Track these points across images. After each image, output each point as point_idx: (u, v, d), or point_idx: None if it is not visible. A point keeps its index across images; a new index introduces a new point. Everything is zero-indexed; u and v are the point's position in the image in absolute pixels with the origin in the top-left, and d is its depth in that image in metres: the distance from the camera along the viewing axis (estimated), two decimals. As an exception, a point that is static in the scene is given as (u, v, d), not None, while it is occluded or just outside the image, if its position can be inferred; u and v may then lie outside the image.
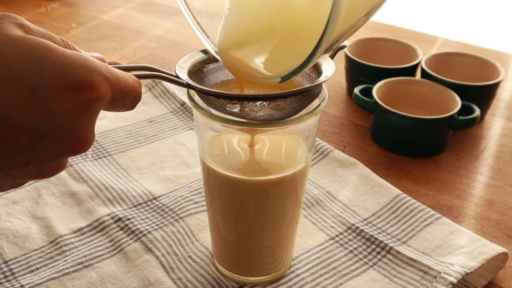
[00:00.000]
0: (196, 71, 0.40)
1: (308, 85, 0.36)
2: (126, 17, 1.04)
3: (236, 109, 0.37)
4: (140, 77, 0.34)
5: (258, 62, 0.38)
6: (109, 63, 0.33)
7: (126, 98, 0.32)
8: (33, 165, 0.29)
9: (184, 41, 0.94)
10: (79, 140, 0.29)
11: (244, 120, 0.38)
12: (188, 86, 0.37)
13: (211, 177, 0.43)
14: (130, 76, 0.32)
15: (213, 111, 0.38)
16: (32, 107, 0.27)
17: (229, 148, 0.43)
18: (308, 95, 0.38)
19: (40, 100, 0.27)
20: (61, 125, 0.28)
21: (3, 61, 0.26)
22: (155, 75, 0.36)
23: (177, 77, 0.37)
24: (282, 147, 0.44)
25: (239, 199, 0.42)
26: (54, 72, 0.27)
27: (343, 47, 0.40)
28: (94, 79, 0.29)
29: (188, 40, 0.94)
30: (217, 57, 0.39)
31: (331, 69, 0.38)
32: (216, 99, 0.37)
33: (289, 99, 0.36)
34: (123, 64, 0.35)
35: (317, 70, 0.40)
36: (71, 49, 0.31)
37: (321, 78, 0.38)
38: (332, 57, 0.40)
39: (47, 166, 0.30)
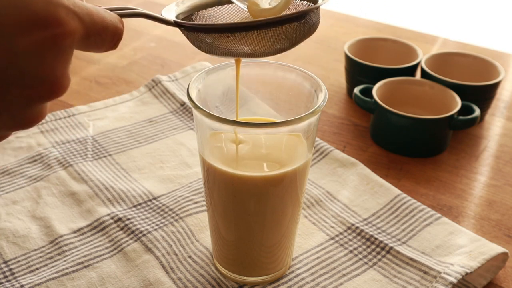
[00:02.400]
0: (185, 18, 0.38)
1: (304, 9, 0.34)
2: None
3: (231, 43, 0.35)
4: (121, 15, 0.32)
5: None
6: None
7: (103, 35, 0.29)
8: (5, 114, 0.27)
9: (184, 40, 0.94)
10: (52, 82, 0.27)
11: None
12: (175, 24, 0.35)
13: (211, 175, 0.43)
14: (106, 11, 0.30)
15: (213, 112, 0.38)
16: None
17: (228, 145, 0.43)
18: (306, 21, 0.35)
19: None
20: (28, 68, 0.25)
21: None
22: (139, 13, 0.34)
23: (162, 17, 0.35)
24: (282, 144, 0.44)
25: (239, 197, 0.42)
26: (10, 8, 0.24)
27: None
28: (58, 13, 0.26)
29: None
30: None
31: None
32: (207, 35, 0.34)
33: (286, 26, 0.34)
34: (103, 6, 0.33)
35: (313, 1, 0.38)
36: None
37: (318, 2, 0.36)
38: None
39: (22, 114, 0.27)
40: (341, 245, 0.51)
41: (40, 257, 0.50)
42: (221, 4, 0.40)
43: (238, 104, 0.44)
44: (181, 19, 0.37)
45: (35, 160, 0.61)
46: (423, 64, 0.72)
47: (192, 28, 0.35)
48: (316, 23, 0.37)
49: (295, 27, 0.35)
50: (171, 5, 0.38)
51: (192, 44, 0.37)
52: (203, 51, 0.36)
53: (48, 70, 0.26)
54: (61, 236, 0.52)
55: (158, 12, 0.37)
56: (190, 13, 0.39)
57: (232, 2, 0.39)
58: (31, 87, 0.26)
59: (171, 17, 0.36)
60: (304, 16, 0.35)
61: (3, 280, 0.47)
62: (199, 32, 0.35)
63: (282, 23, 0.34)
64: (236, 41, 0.34)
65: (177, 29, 0.37)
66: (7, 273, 0.48)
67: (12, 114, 0.27)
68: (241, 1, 0.39)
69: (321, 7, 0.37)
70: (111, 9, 0.32)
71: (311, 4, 0.38)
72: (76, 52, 0.29)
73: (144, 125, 0.69)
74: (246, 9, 0.38)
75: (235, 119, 0.43)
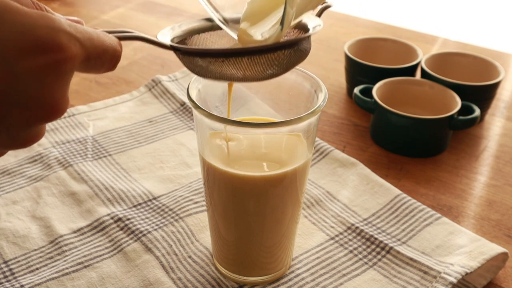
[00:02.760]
0: (179, 42, 0.39)
1: (295, 38, 0.36)
2: (126, 17, 1.04)
3: (225, 68, 0.36)
4: (120, 38, 0.33)
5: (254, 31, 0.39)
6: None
7: (103, 58, 0.30)
8: (4, 134, 0.27)
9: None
10: (50, 105, 0.27)
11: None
12: (171, 48, 0.36)
13: (210, 175, 0.43)
14: (106, 35, 0.31)
15: (213, 112, 0.38)
16: None
17: (228, 144, 0.43)
18: (298, 49, 0.37)
19: (1, 64, 0.25)
20: (28, 91, 0.26)
21: None
22: (136, 36, 0.34)
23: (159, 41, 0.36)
24: (282, 144, 0.44)
25: (239, 197, 0.42)
26: (13, 34, 0.25)
27: (328, 6, 0.40)
28: (60, 39, 0.26)
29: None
30: (225, 28, 0.39)
31: (319, 22, 0.38)
32: (202, 60, 0.35)
33: (278, 52, 0.35)
34: (102, 29, 0.34)
35: (305, 29, 0.39)
36: (40, 9, 0.29)
37: (310, 31, 0.37)
38: (319, 15, 0.40)
39: (20, 135, 0.28)
40: (341, 245, 0.51)
41: (40, 257, 0.50)
42: (213, 29, 0.41)
43: (230, 113, 0.44)
44: (176, 43, 0.38)
45: (35, 160, 0.61)
46: (423, 64, 0.72)
47: (187, 52, 0.36)
48: (307, 50, 0.38)
49: (288, 54, 0.36)
50: (166, 29, 0.39)
51: (187, 67, 0.37)
52: (197, 75, 0.37)
53: (48, 93, 0.27)
54: (61, 236, 0.52)
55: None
56: (184, 37, 0.40)
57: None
58: (31, 109, 0.27)
59: (167, 40, 0.37)
60: (296, 44, 0.36)
61: (3, 280, 0.47)
62: (194, 56, 0.36)
63: (275, 50, 0.35)
64: (230, 65, 0.35)
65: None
66: (7, 273, 0.48)
67: (11, 134, 0.28)
68: (232, 29, 0.40)
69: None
70: (110, 32, 0.33)
71: (302, 32, 0.39)
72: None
73: (144, 125, 0.69)
74: (236, 39, 0.39)
75: (236, 119, 0.43)
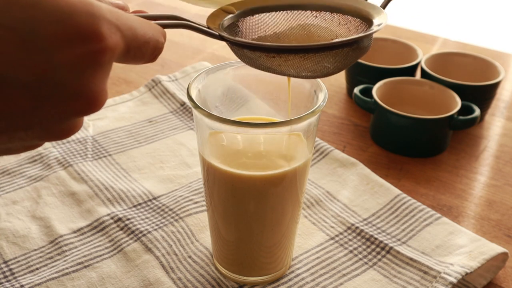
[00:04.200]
0: (229, 25, 0.36)
1: (353, 37, 0.32)
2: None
3: (276, 64, 0.33)
4: (165, 26, 0.30)
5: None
6: (134, 12, 0.30)
7: (144, 49, 0.28)
8: (37, 127, 0.25)
9: (184, 40, 0.94)
10: (88, 98, 0.25)
11: (255, 121, 0.37)
12: (220, 37, 0.33)
13: (210, 174, 0.43)
14: (150, 24, 0.28)
15: (213, 112, 0.38)
16: (27, 62, 0.23)
17: (228, 144, 0.43)
18: (358, 47, 0.34)
19: (37, 53, 0.23)
20: (65, 82, 0.24)
21: None
22: (183, 24, 0.32)
23: (209, 28, 0.33)
24: (282, 144, 0.44)
25: (239, 197, 0.42)
26: (51, 21, 0.23)
27: None
28: (101, 27, 0.24)
29: (188, 40, 0.94)
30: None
31: (384, 18, 0.34)
32: (253, 53, 0.33)
33: (336, 52, 0.32)
34: (148, 13, 0.31)
35: (367, 21, 0.36)
36: None
37: (373, 28, 0.34)
38: (383, 7, 0.37)
39: (55, 128, 0.26)
40: (341, 245, 0.51)
41: (40, 257, 0.50)
42: (268, 11, 0.38)
43: (290, 109, 0.42)
44: (227, 26, 0.36)
45: (35, 160, 0.61)
46: (423, 64, 0.72)
47: (237, 44, 0.33)
48: (368, 47, 0.35)
49: (346, 52, 0.33)
50: (218, 10, 0.36)
51: (236, 56, 0.35)
52: (247, 64, 0.35)
53: (86, 85, 0.25)
54: (61, 236, 0.52)
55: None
56: (236, 20, 0.37)
57: (282, 10, 0.37)
58: (66, 102, 0.25)
59: (216, 24, 0.34)
60: (357, 42, 0.33)
61: (3, 280, 0.47)
62: (244, 48, 0.33)
63: (333, 48, 0.32)
64: (282, 62, 0.33)
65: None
66: (7, 273, 0.48)
67: (45, 127, 0.26)
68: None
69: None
70: (154, 17, 0.31)
71: (364, 24, 0.36)
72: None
73: (144, 125, 0.69)
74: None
75: (236, 119, 0.43)
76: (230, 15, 0.36)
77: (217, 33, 0.33)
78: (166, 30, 0.31)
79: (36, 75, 0.23)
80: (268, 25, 0.37)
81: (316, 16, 0.37)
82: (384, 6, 0.37)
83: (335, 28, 0.36)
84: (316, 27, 0.37)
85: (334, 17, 0.36)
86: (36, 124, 0.25)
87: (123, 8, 0.30)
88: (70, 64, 0.24)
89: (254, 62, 0.34)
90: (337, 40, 0.32)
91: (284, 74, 0.34)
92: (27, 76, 0.23)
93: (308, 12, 0.37)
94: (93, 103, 0.26)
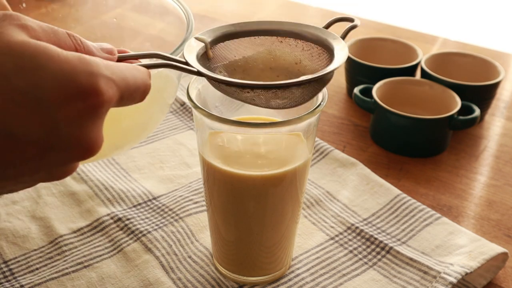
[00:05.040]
0: (203, 54, 0.39)
1: (318, 75, 0.36)
2: (124, 17, 1.04)
3: (249, 97, 0.36)
4: (149, 67, 0.33)
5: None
6: (119, 52, 0.33)
7: (135, 94, 0.31)
8: (42, 172, 0.29)
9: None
10: (87, 146, 0.29)
11: (249, 122, 0.37)
12: (199, 74, 0.36)
13: (210, 174, 0.43)
14: (138, 69, 0.32)
15: (213, 112, 0.38)
16: (35, 119, 0.26)
17: (228, 144, 0.43)
18: (321, 80, 0.38)
19: (43, 112, 0.26)
20: (67, 134, 0.28)
21: (3, 73, 0.26)
22: (165, 64, 0.35)
23: (187, 64, 0.36)
24: (282, 144, 0.44)
25: (238, 197, 0.42)
26: (55, 82, 0.27)
27: (354, 26, 0.40)
28: (99, 84, 0.28)
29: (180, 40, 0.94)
30: None
31: (344, 48, 0.38)
32: (228, 86, 0.36)
33: (303, 86, 0.36)
34: (131, 53, 0.34)
35: (328, 49, 0.39)
36: (77, 45, 0.31)
37: (334, 64, 0.37)
38: (343, 37, 0.40)
39: (57, 172, 0.30)
40: (341, 245, 0.51)
41: (40, 257, 0.50)
42: (237, 37, 0.41)
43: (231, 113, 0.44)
44: (201, 54, 0.39)
45: (35, 160, 0.61)
46: (423, 64, 0.72)
47: (215, 79, 0.36)
48: (330, 79, 0.39)
49: (312, 86, 0.37)
50: (192, 40, 0.39)
51: (213, 87, 0.38)
52: (224, 94, 0.38)
53: (85, 134, 0.28)
54: (61, 236, 0.52)
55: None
56: (209, 47, 0.40)
57: (249, 35, 0.41)
58: (69, 151, 0.28)
59: (193, 55, 0.37)
60: (321, 78, 0.37)
61: (3, 280, 0.47)
62: (221, 84, 0.36)
63: (300, 84, 0.36)
64: (255, 96, 0.36)
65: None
66: (7, 273, 0.48)
67: (49, 171, 0.29)
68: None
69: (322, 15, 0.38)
70: (138, 56, 0.34)
71: (325, 54, 0.39)
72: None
73: (144, 125, 0.69)
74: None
75: (236, 119, 0.43)
76: (203, 44, 0.39)
77: (195, 70, 0.36)
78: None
79: (43, 131, 0.27)
80: (237, 50, 0.41)
81: (281, 42, 0.40)
82: (343, 36, 0.40)
83: (299, 53, 0.40)
84: (282, 52, 0.40)
85: (297, 43, 0.40)
86: (41, 170, 0.29)
87: (111, 52, 0.33)
88: (72, 119, 0.27)
89: (230, 94, 0.37)
90: (303, 78, 0.35)
91: (256, 105, 0.37)
92: (35, 131, 0.27)
93: (274, 38, 0.41)
94: (92, 149, 0.29)
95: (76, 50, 0.30)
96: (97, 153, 0.30)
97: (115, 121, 0.48)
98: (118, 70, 0.30)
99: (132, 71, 0.31)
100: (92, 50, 0.31)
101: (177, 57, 0.36)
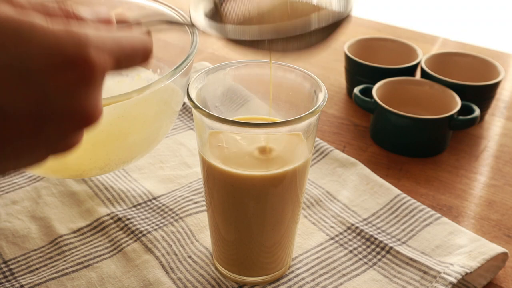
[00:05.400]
0: (212, 9, 0.37)
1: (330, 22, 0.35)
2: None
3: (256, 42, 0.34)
4: (149, 27, 0.33)
5: None
6: (117, 20, 0.33)
7: (134, 56, 0.31)
8: (43, 147, 0.28)
9: (183, 41, 0.94)
10: (84, 115, 0.28)
11: (248, 123, 0.37)
12: (192, 25, 0.35)
13: (210, 175, 0.43)
14: (133, 32, 0.31)
15: (213, 112, 0.38)
16: (24, 92, 0.26)
17: (228, 144, 0.43)
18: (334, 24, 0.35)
19: (33, 84, 0.26)
20: (61, 105, 0.27)
21: None
22: (160, 20, 0.34)
23: (193, 25, 0.35)
24: (282, 144, 0.44)
25: (238, 197, 0.42)
26: (42, 53, 0.26)
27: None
28: (88, 54, 0.27)
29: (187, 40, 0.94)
30: None
31: None
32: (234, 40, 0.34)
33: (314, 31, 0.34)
34: (128, 20, 0.34)
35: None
36: (70, 16, 0.30)
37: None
38: None
39: (59, 145, 0.29)
40: (341, 245, 0.51)
41: (40, 257, 0.50)
42: None
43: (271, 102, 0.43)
44: (209, 10, 0.37)
45: (35, 160, 0.61)
46: (423, 64, 0.72)
47: (220, 32, 0.35)
48: (349, 17, 0.36)
49: (328, 27, 0.35)
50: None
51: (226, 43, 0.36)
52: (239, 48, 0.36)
53: (80, 103, 0.28)
54: (61, 236, 0.52)
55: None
56: (219, 2, 0.38)
57: None
58: (65, 122, 0.28)
59: (200, 9, 0.36)
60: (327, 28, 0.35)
61: (3, 280, 0.47)
62: (222, 37, 0.34)
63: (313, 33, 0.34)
64: (265, 45, 0.34)
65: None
66: (7, 273, 0.48)
67: (50, 146, 0.29)
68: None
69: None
70: (137, 21, 0.34)
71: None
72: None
73: (144, 125, 0.69)
74: None
75: (235, 119, 0.43)
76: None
77: (200, 30, 0.34)
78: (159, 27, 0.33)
79: (35, 103, 0.26)
80: (250, 4, 0.38)
81: None
82: None
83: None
84: (298, 3, 0.38)
85: None
86: (41, 145, 0.28)
87: (108, 21, 0.32)
88: (63, 89, 0.27)
89: (247, 46, 0.35)
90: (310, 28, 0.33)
91: (274, 51, 0.35)
92: (27, 105, 0.26)
93: None
94: (90, 118, 0.29)
95: (68, 20, 0.30)
96: (95, 122, 0.29)
97: (123, 136, 0.49)
98: (111, 37, 0.29)
99: (127, 36, 0.31)
100: (84, 19, 0.31)
101: (180, 18, 0.35)
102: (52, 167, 0.47)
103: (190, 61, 0.46)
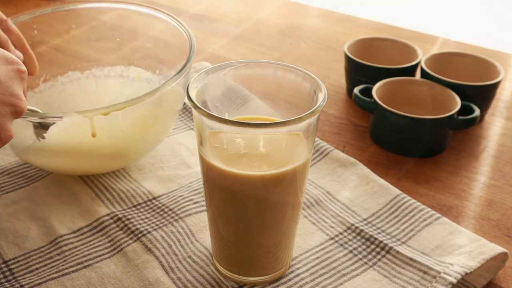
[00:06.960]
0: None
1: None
2: (124, 18, 1.04)
3: None
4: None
5: None
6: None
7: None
8: None
9: (183, 41, 0.94)
10: (16, 98, 0.39)
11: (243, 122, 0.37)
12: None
13: (210, 174, 0.43)
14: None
15: (213, 112, 0.38)
16: None
17: (228, 144, 0.43)
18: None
19: None
20: (4, 87, 0.38)
21: None
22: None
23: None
24: (282, 144, 0.44)
25: (238, 197, 0.42)
26: None
27: None
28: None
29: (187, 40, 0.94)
30: None
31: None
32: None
33: None
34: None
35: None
36: None
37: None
38: None
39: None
40: (341, 245, 0.51)
41: (40, 257, 0.50)
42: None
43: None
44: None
45: (35, 160, 0.61)
46: (423, 64, 0.72)
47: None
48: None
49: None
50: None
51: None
52: None
53: (15, 90, 0.39)
54: (60, 236, 0.52)
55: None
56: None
57: None
58: (5, 96, 0.38)
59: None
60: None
61: (3, 280, 0.47)
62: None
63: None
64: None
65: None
66: (7, 273, 0.48)
67: None
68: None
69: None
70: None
71: None
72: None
73: (144, 125, 0.69)
74: None
75: (235, 119, 0.43)
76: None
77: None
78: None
79: None
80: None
81: None
82: None
83: None
84: None
85: None
86: None
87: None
88: (7, 74, 0.38)
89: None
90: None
91: None
92: None
93: None
94: (20, 103, 0.39)
95: None
96: (23, 108, 0.39)
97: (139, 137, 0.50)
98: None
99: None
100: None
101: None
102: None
103: (191, 61, 0.48)
